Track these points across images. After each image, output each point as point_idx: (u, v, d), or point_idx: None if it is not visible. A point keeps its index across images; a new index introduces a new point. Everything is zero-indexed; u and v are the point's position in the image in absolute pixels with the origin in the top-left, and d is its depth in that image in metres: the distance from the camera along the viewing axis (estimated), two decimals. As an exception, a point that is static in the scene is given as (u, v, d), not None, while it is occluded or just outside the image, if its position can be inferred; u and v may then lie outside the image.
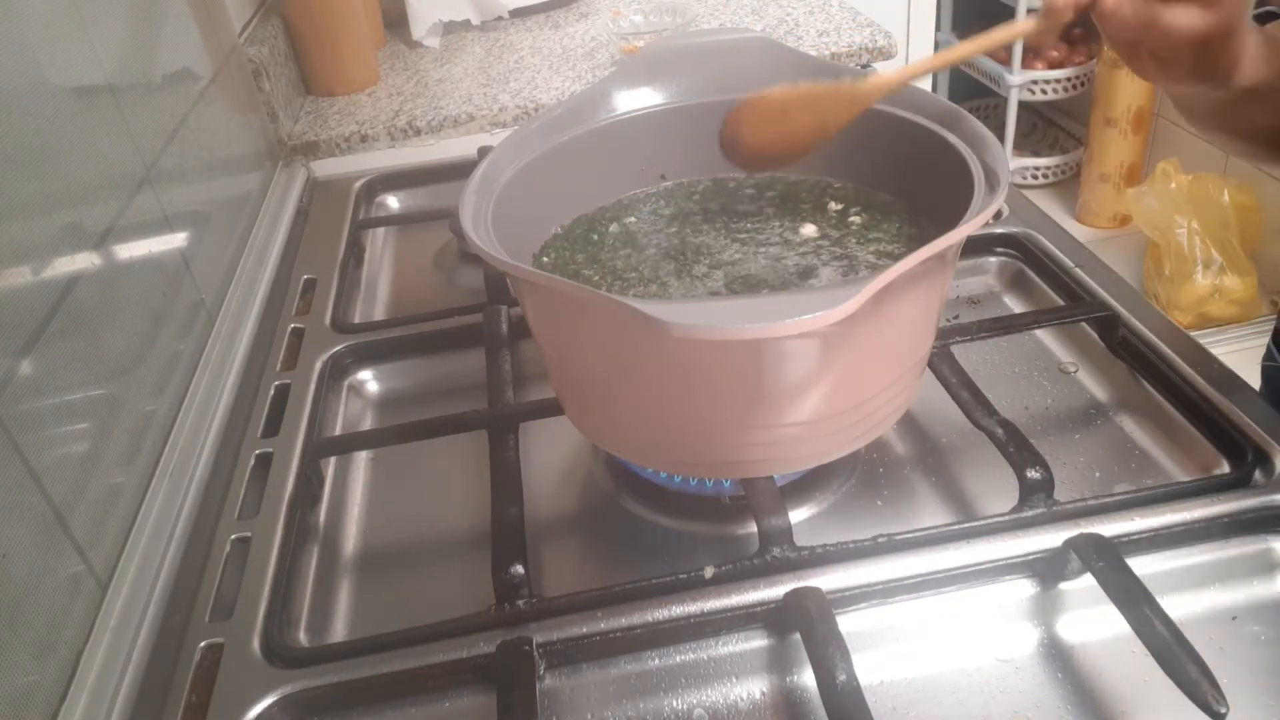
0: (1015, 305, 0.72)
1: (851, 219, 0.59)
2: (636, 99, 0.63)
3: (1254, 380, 0.59)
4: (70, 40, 0.60)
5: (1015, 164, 2.47)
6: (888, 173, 0.60)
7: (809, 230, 0.59)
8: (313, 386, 0.66)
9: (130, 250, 0.61)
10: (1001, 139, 2.13)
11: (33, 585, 0.45)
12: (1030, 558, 0.49)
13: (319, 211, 0.94)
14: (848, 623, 0.46)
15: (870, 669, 0.46)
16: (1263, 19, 0.57)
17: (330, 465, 0.63)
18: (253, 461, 0.61)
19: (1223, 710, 0.38)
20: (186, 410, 0.64)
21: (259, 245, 0.85)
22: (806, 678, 0.46)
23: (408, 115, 1.07)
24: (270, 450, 0.61)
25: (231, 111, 0.89)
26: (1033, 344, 0.67)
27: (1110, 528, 0.49)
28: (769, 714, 0.45)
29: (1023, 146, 2.59)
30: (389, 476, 0.63)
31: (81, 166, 0.58)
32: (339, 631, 0.52)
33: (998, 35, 0.52)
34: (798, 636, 0.46)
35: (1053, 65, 2.34)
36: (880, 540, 0.49)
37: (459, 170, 0.96)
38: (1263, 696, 0.43)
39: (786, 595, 0.47)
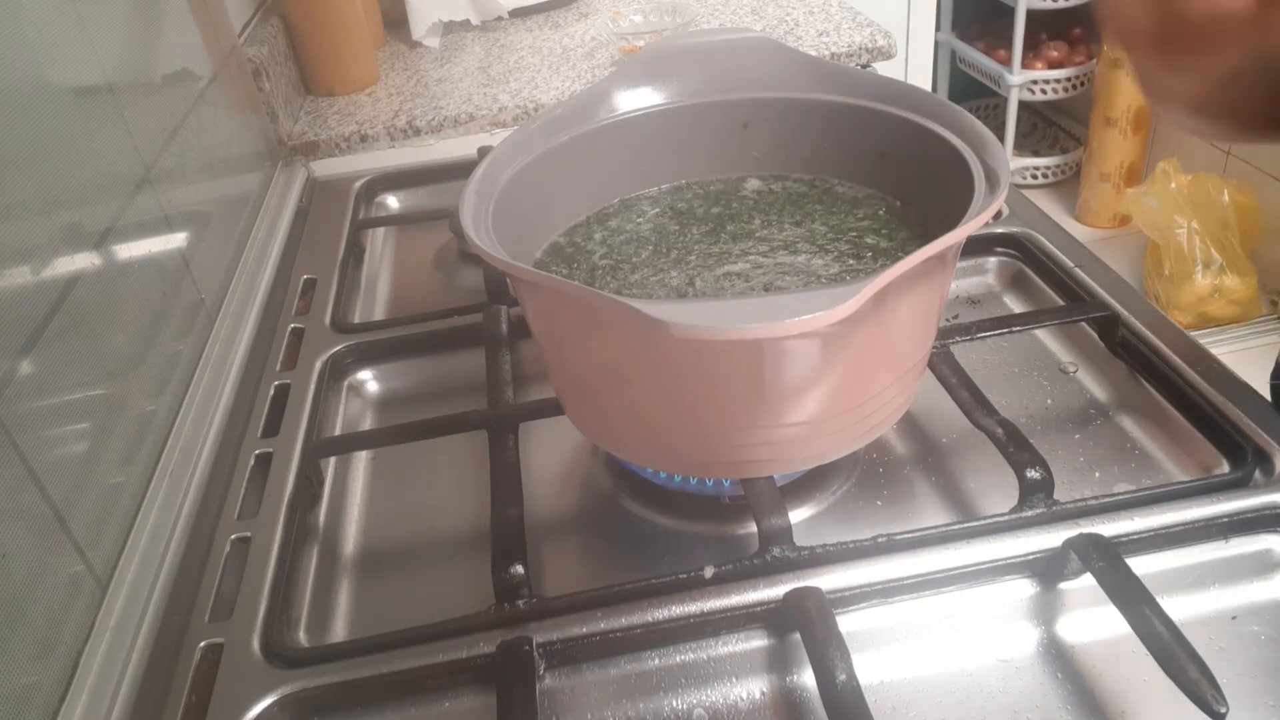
0: (1015, 305, 0.72)
1: (852, 219, 0.59)
2: (636, 99, 0.63)
3: (1254, 380, 0.59)
4: (70, 40, 0.60)
5: (1015, 164, 2.47)
6: (888, 173, 0.60)
7: (809, 231, 0.59)
8: (312, 386, 0.66)
9: (130, 250, 0.61)
10: (1001, 139, 2.13)
11: (33, 585, 0.45)
12: (1030, 558, 0.49)
13: (319, 211, 0.94)
14: (848, 623, 0.46)
15: (870, 669, 0.46)
16: None
17: (330, 465, 0.63)
18: (252, 461, 0.61)
19: (1223, 710, 0.38)
20: (186, 410, 0.64)
21: (259, 245, 0.85)
22: (806, 678, 0.46)
23: (408, 115, 1.07)
24: (270, 450, 0.61)
25: (231, 111, 0.89)
26: (1033, 344, 0.67)
27: (1110, 528, 0.49)
28: (769, 714, 0.45)
29: (1023, 146, 2.59)
30: (389, 476, 0.63)
31: (81, 166, 0.58)
32: (339, 631, 0.52)
33: None
34: (798, 636, 0.46)
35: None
36: (880, 540, 0.49)
37: (459, 170, 0.96)
38: (1263, 696, 0.43)
39: (786, 595, 0.47)
